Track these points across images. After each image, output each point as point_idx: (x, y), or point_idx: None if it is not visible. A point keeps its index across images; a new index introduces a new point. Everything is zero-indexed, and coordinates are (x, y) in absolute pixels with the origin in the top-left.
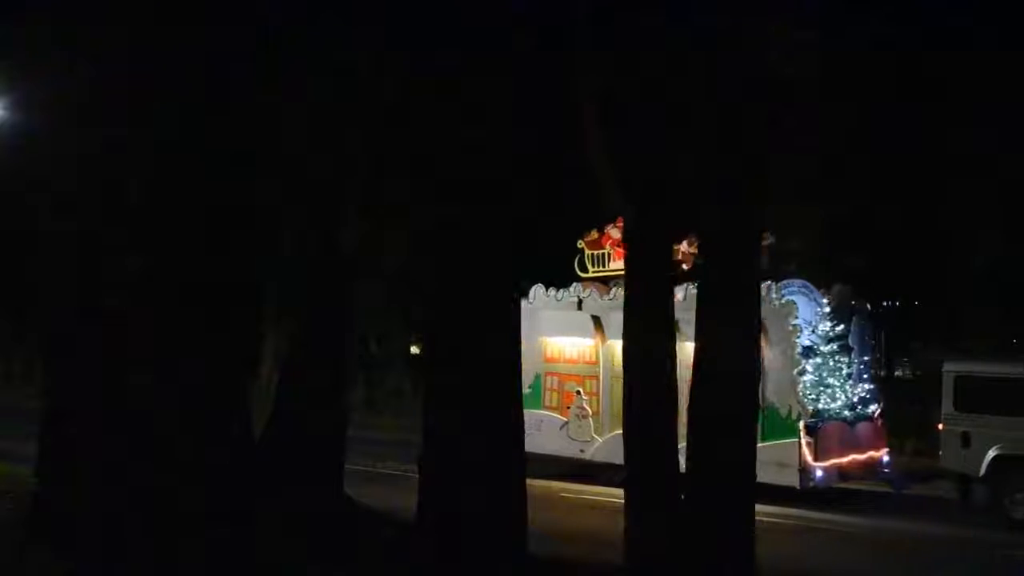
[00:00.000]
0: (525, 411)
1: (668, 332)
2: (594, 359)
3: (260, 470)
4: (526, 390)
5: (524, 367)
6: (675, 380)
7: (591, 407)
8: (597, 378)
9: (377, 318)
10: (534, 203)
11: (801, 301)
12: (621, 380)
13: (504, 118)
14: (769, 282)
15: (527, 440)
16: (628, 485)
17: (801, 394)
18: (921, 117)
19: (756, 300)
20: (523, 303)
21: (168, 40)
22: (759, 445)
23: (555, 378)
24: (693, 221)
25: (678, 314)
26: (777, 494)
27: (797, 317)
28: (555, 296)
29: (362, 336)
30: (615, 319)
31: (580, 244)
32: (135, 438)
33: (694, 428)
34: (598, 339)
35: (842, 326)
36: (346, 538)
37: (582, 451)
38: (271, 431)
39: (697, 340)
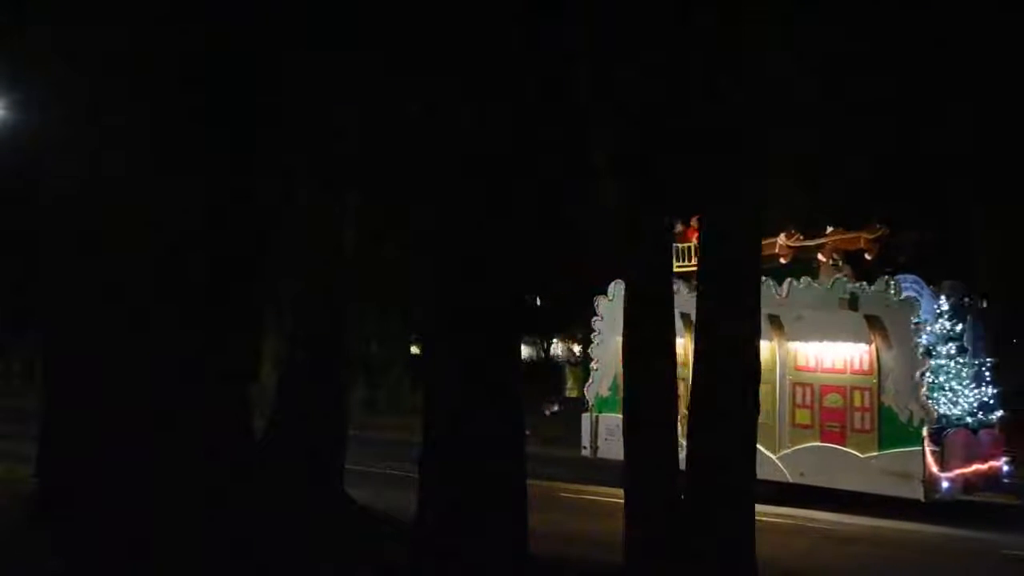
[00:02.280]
0: (603, 416)
1: (668, 332)
2: (684, 359)
3: (260, 470)
4: (606, 393)
5: (603, 369)
6: (675, 380)
7: (681, 411)
8: (686, 380)
9: (377, 318)
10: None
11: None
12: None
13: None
14: (886, 277)
15: (606, 446)
16: (628, 485)
17: (925, 398)
18: None
19: (757, 293)
20: (602, 301)
21: (167, 38)
22: (873, 454)
23: None
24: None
25: (776, 310)
26: (897, 507)
27: (919, 314)
28: None
29: (362, 336)
30: None
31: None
32: (135, 438)
33: (694, 427)
34: (688, 337)
35: (960, 325)
36: (346, 538)
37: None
38: (271, 432)
39: (696, 335)
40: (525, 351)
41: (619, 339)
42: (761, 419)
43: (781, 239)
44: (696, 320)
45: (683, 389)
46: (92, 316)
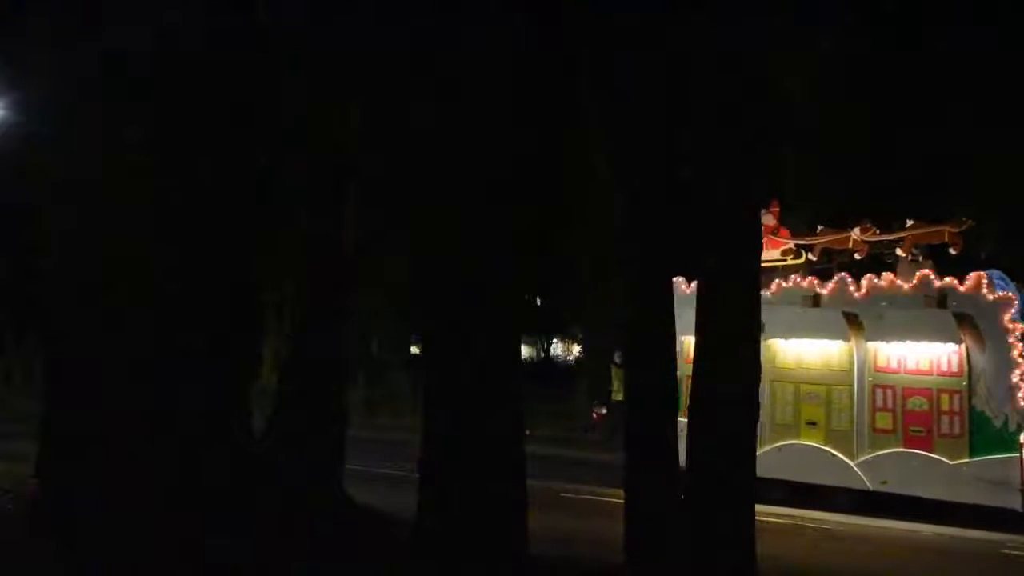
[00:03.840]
0: None
1: (669, 332)
2: None
3: (260, 470)
4: None
5: None
6: (675, 380)
7: None
8: None
9: (377, 319)
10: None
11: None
12: (783, 384)
13: (504, 117)
14: (979, 273)
15: None
16: (628, 485)
17: (1022, 402)
18: None
19: (757, 291)
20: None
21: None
22: (964, 461)
23: None
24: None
25: (853, 307)
26: (990, 518)
27: (1015, 311)
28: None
29: (362, 336)
30: (777, 316)
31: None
32: (135, 439)
33: (694, 426)
34: None
35: None
36: (346, 538)
37: None
38: (271, 431)
39: (696, 336)
40: (525, 351)
41: (682, 339)
42: (837, 424)
43: (856, 233)
44: (696, 318)
45: None
46: (92, 316)
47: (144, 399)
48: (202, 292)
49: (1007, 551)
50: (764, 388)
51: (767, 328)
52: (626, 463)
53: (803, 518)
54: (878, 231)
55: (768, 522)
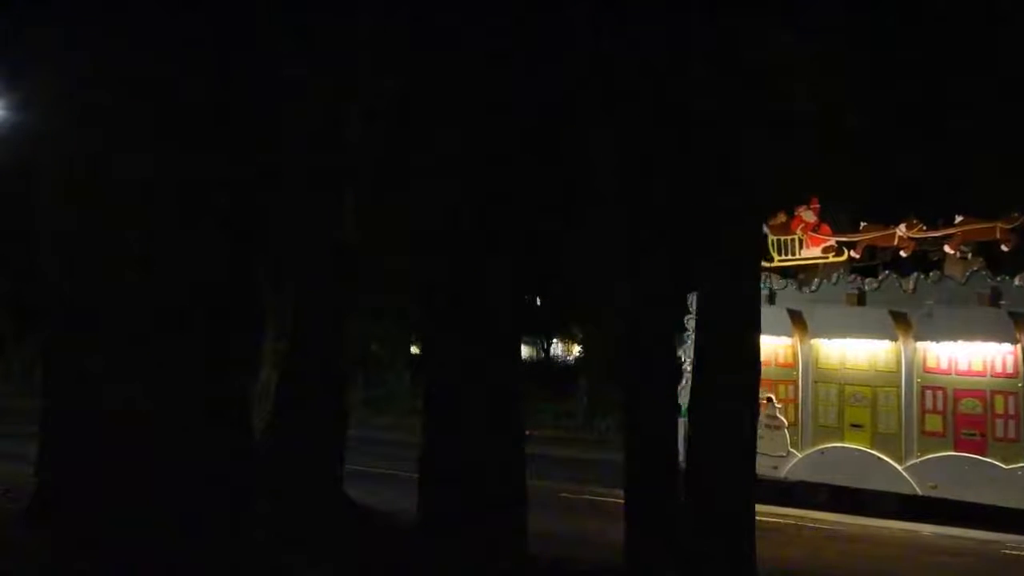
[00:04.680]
0: None
1: (668, 331)
2: (790, 361)
3: (260, 470)
4: None
5: None
6: (675, 382)
7: (787, 416)
8: (795, 382)
9: (377, 318)
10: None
11: None
12: (826, 385)
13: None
14: None
15: None
16: (628, 484)
17: None
18: None
19: (757, 289)
20: (698, 297)
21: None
22: (1020, 465)
23: None
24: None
25: (901, 306)
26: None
27: None
28: None
29: (362, 336)
30: (820, 314)
31: (763, 229)
32: (135, 438)
33: (694, 426)
34: (797, 337)
35: None
36: (346, 538)
37: (775, 468)
38: (271, 432)
39: (696, 332)
40: (525, 351)
41: None
42: (884, 426)
43: (901, 230)
44: (696, 317)
45: (792, 393)
46: (92, 316)
47: (144, 398)
48: (203, 292)
49: (1008, 551)
50: (806, 389)
51: (809, 327)
52: (626, 463)
53: (803, 518)
54: (925, 227)
55: (769, 522)
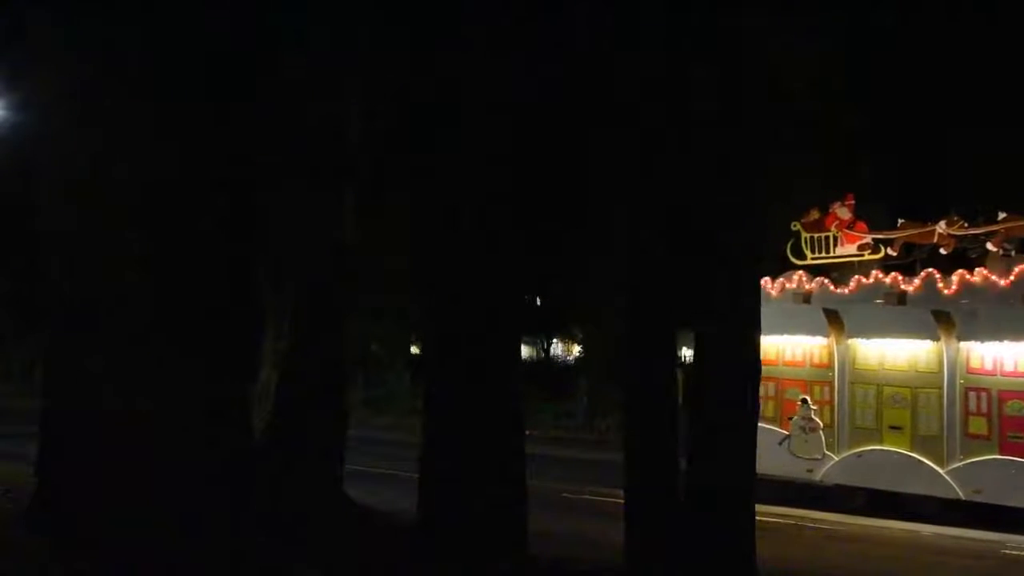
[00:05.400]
0: None
1: (669, 331)
2: (826, 361)
3: (260, 470)
4: None
5: None
6: (675, 383)
7: (822, 418)
8: (831, 384)
9: (377, 318)
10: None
11: None
12: (864, 386)
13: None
14: None
15: None
16: (628, 485)
17: None
18: None
19: (757, 288)
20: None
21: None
22: None
23: (771, 383)
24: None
25: (943, 305)
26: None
27: None
28: (770, 287)
29: (362, 336)
30: (857, 314)
31: (795, 226)
32: (135, 438)
33: (695, 428)
34: (833, 337)
35: None
36: (346, 538)
37: (810, 471)
38: (271, 431)
39: (695, 336)
40: (525, 351)
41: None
42: (925, 429)
43: (941, 227)
44: (696, 321)
45: (828, 394)
46: (92, 316)
47: (144, 398)
48: (203, 292)
49: (1007, 551)
50: (843, 390)
51: (846, 327)
52: (626, 464)
53: (803, 518)
54: (966, 224)
55: (769, 522)
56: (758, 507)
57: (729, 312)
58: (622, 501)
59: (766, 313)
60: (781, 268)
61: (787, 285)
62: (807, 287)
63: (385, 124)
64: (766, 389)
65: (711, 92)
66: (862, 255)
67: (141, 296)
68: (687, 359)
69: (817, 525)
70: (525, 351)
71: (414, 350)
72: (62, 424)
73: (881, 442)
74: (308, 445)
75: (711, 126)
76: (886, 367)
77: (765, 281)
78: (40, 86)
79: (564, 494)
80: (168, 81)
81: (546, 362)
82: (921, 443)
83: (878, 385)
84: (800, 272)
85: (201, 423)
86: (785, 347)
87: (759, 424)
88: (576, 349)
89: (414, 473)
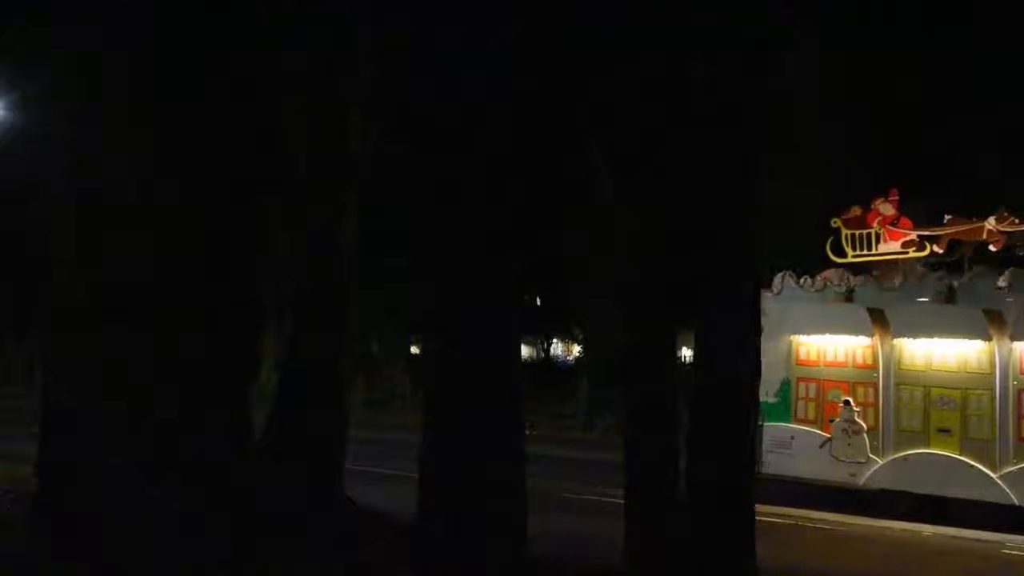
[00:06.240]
0: (769, 425)
1: (668, 332)
2: (870, 362)
3: (260, 470)
4: (771, 399)
5: (766, 373)
6: (675, 384)
7: (866, 420)
8: (875, 385)
9: (377, 318)
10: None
11: None
12: (910, 387)
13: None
14: None
15: (771, 460)
16: (628, 484)
17: None
18: None
19: (757, 289)
20: (764, 295)
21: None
22: None
23: (811, 385)
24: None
25: (994, 304)
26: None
27: None
28: (811, 285)
29: (362, 336)
30: (903, 312)
31: (835, 223)
32: (135, 438)
33: (695, 427)
34: (878, 337)
35: None
36: (346, 538)
37: (853, 475)
38: (271, 431)
39: (695, 337)
40: (525, 351)
41: (789, 338)
42: (976, 432)
43: (990, 223)
44: (696, 324)
45: (872, 396)
46: (92, 316)
47: (144, 399)
48: (202, 293)
49: (1007, 551)
50: (888, 392)
51: (892, 327)
52: (626, 464)
53: (803, 518)
54: (1016, 220)
55: (770, 522)
56: (758, 507)
57: (729, 312)
58: (622, 501)
59: (808, 312)
60: (820, 266)
61: (828, 283)
62: (850, 285)
63: (385, 123)
64: (807, 390)
65: (711, 92)
66: (906, 252)
67: (141, 296)
68: (687, 359)
69: (817, 525)
70: (525, 351)
71: (414, 350)
72: (62, 424)
73: (929, 445)
74: (308, 445)
75: (711, 126)
76: (934, 367)
77: (804, 279)
78: (41, 86)
79: (564, 494)
80: (169, 81)
81: (546, 362)
82: (972, 447)
83: (925, 386)
84: (841, 270)
85: (201, 423)
86: (826, 347)
87: (798, 427)
88: (576, 349)
89: (414, 473)
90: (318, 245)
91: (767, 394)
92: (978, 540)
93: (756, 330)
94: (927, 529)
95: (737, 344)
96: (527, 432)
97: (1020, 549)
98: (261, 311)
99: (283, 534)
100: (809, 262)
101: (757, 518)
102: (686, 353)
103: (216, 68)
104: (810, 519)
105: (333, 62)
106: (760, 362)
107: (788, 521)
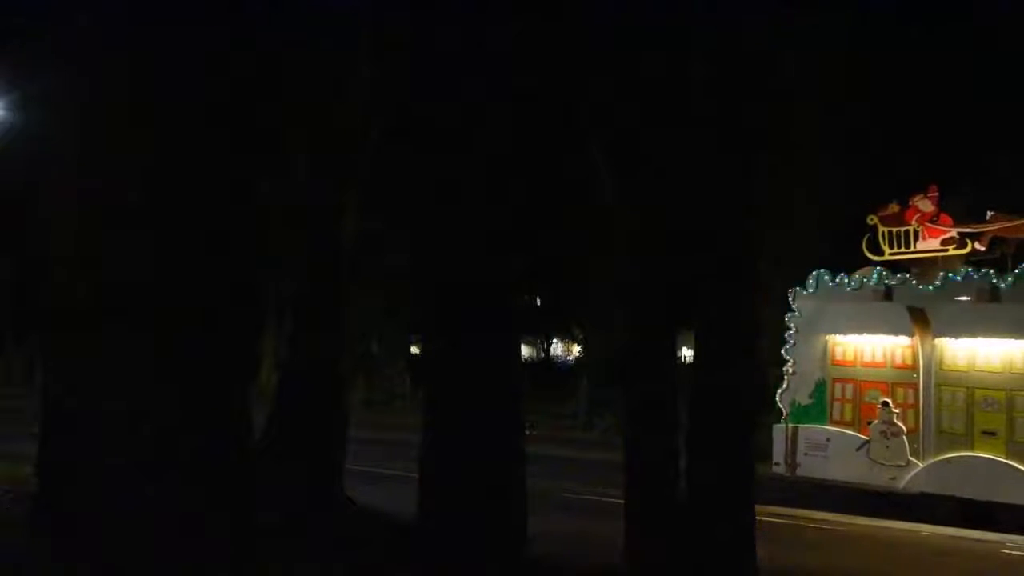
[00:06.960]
0: (803, 428)
1: (669, 332)
2: (909, 362)
3: (260, 470)
4: (806, 400)
5: (802, 373)
6: (674, 385)
7: (905, 422)
8: (915, 386)
9: (377, 318)
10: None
11: None
12: (953, 389)
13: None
14: None
15: (807, 463)
16: (628, 486)
17: None
18: None
19: (756, 291)
20: (799, 294)
21: (165, 39)
22: None
23: (848, 386)
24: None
25: None
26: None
27: None
28: (848, 284)
29: (362, 336)
30: (946, 312)
31: (871, 220)
32: (135, 438)
33: (695, 427)
34: (918, 337)
35: None
36: (346, 538)
37: (892, 479)
38: (271, 431)
39: (695, 337)
40: (525, 351)
41: (825, 338)
42: (1022, 434)
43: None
44: (695, 327)
45: (911, 397)
46: (93, 316)
47: (144, 399)
48: (202, 293)
49: (1007, 551)
50: (928, 393)
51: (933, 326)
52: (626, 464)
53: (804, 518)
54: None
55: (770, 522)
56: (758, 507)
57: (729, 312)
58: (622, 501)
59: (845, 312)
60: (856, 264)
61: (865, 281)
62: (889, 283)
63: (385, 122)
64: (843, 391)
65: (711, 92)
66: (946, 250)
67: (141, 297)
68: (687, 359)
69: (817, 525)
70: (525, 351)
71: (414, 350)
72: (62, 424)
73: (972, 448)
74: (308, 445)
75: (711, 126)
76: (977, 368)
77: (845, 278)
78: (42, 86)
79: (564, 494)
80: (169, 81)
81: (546, 362)
82: (1017, 449)
83: (968, 388)
84: (879, 268)
85: (201, 423)
86: (864, 347)
87: (835, 429)
88: (576, 349)
89: (414, 473)
90: (318, 245)
91: (802, 395)
92: (977, 540)
93: (756, 329)
94: (974, 534)
95: (737, 344)
96: (527, 432)
97: (1020, 549)
98: (261, 311)
99: (283, 534)
100: (809, 262)
101: (791, 521)
102: (686, 353)
103: (216, 68)
104: (844, 523)
105: (333, 62)
106: (759, 361)
107: (820, 525)
